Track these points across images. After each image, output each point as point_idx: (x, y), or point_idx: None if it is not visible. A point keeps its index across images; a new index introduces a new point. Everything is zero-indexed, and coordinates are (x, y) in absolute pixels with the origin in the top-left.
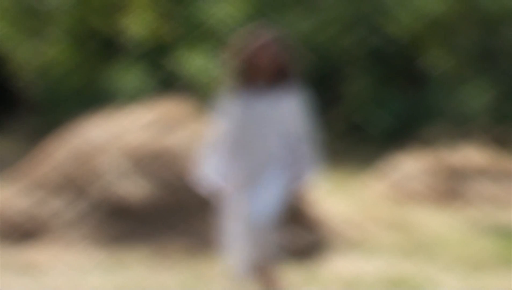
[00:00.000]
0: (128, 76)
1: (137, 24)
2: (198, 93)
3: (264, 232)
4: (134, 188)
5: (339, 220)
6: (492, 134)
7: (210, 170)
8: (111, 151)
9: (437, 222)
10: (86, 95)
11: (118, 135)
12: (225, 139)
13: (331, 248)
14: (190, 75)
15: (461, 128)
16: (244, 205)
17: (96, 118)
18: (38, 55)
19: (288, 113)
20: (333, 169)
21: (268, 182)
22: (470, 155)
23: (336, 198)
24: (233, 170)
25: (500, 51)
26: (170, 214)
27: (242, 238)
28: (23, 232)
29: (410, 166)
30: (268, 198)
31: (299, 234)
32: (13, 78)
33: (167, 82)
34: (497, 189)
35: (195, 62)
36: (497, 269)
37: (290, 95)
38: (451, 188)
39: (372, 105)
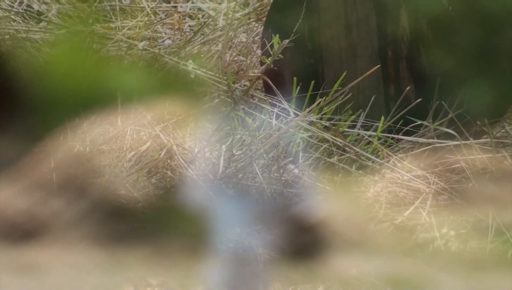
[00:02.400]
0: (128, 76)
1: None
2: (198, 93)
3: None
4: (134, 188)
5: (339, 220)
6: (492, 134)
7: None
8: (111, 151)
9: (437, 222)
10: (86, 95)
11: (118, 135)
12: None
13: (331, 248)
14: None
15: (461, 128)
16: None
17: (96, 118)
18: (38, 55)
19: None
20: (333, 169)
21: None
22: (470, 155)
23: (336, 198)
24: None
25: (500, 51)
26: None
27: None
28: (23, 232)
29: (410, 166)
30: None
31: (299, 234)
32: (13, 78)
33: (167, 82)
34: (497, 189)
35: (195, 62)
36: (497, 269)
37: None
38: (451, 188)
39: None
